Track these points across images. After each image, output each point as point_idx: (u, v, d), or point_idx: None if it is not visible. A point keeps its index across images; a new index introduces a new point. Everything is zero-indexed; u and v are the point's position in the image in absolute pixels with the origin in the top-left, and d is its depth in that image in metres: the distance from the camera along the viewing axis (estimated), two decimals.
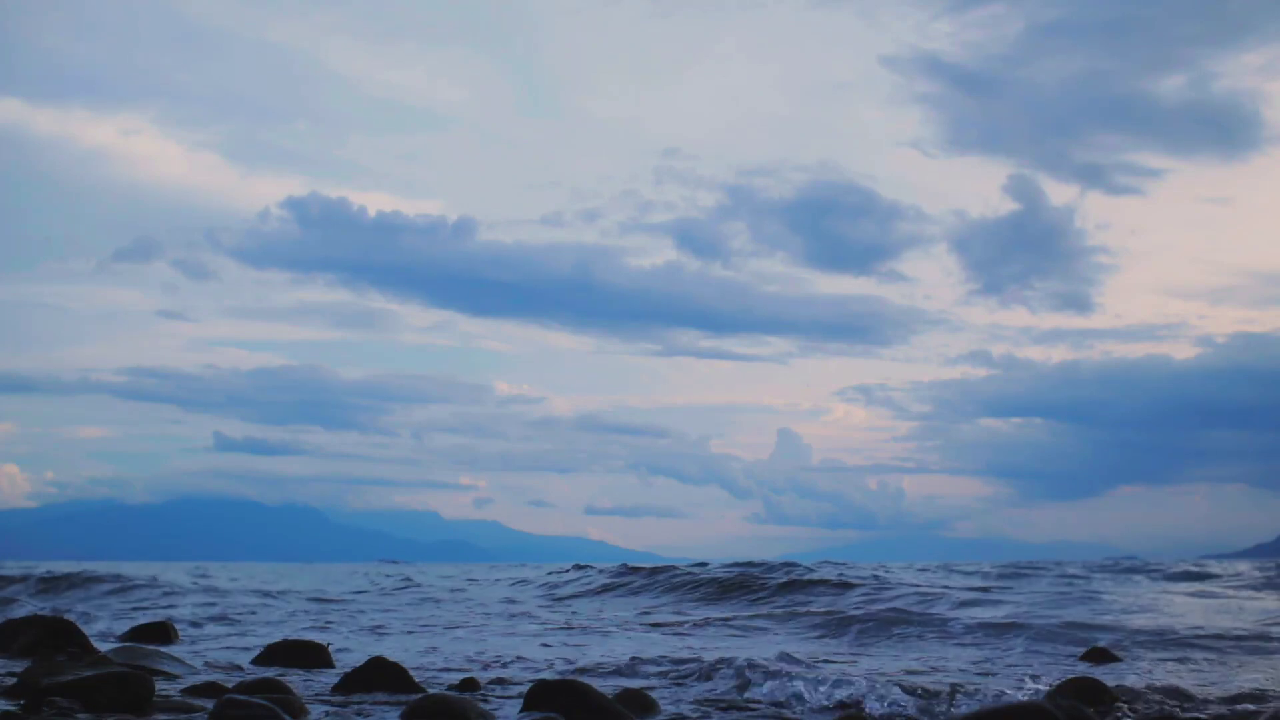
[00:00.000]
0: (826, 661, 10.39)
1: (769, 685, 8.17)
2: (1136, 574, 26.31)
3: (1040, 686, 8.08)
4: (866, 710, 7.26)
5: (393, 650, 11.22)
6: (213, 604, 19.27)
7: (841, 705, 7.48)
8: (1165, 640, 11.64)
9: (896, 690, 7.71)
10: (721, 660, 9.31)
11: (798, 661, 9.49)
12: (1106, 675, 8.56)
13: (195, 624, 15.30)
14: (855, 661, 10.71)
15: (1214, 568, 30.89)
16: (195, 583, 26.18)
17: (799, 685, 7.99)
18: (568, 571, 29.55)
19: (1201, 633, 12.14)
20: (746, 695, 8.07)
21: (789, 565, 25.75)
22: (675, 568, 25.68)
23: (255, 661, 10.06)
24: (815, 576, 21.85)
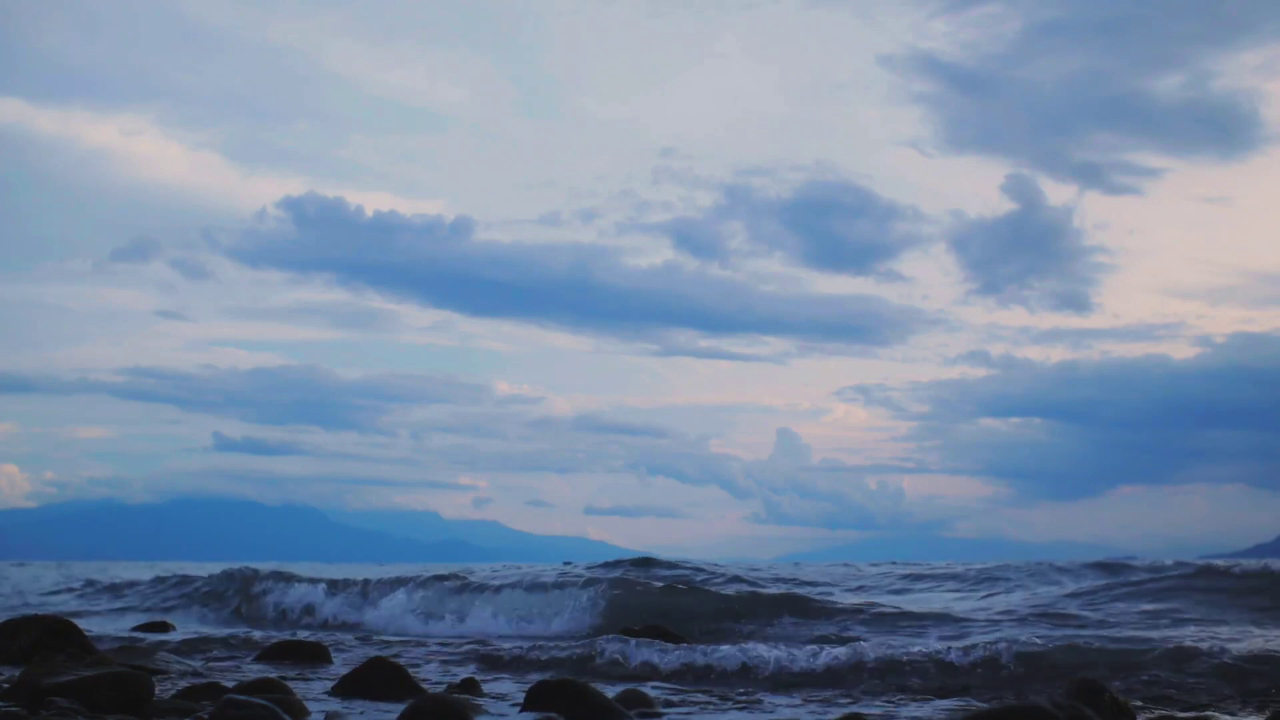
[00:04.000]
0: None
1: None
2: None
3: None
4: None
5: None
6: None
7: None
8: (1162, 640, 11.62)
9: None
10: None
11: None
12: (1107, 676, 8.55)
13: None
14: None
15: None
16: None
17: None
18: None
19: (1199, 632, 12.13)
20: None
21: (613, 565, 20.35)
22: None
23: (255, 661, 10.07)
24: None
